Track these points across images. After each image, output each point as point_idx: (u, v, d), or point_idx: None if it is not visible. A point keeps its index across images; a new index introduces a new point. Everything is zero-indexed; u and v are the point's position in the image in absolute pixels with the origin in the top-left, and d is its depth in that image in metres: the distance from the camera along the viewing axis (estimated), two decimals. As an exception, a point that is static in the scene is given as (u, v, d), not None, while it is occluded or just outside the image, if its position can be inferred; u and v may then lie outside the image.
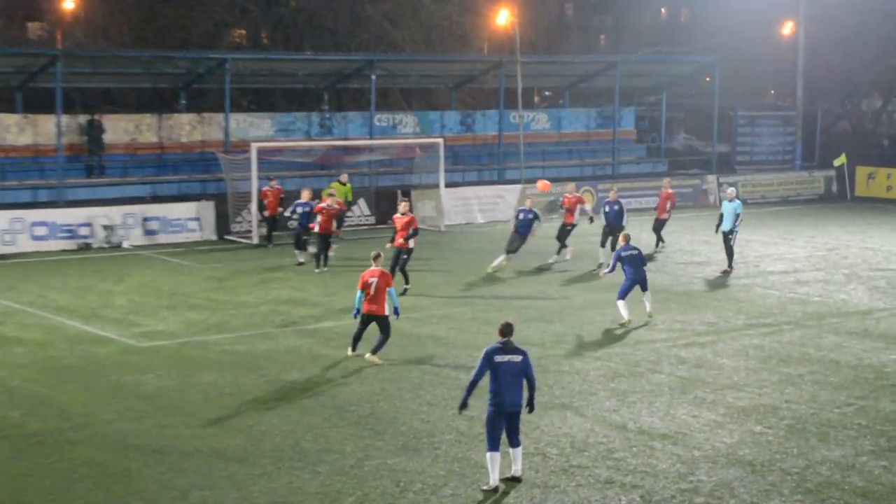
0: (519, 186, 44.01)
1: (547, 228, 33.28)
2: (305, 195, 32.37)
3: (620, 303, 24.08)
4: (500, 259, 30.34)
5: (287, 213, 33.90)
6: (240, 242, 36.48)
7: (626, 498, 14.30)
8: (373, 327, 20.69)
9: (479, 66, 49.60)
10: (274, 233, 35.53)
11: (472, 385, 14.63)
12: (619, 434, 16.75)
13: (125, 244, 35.58)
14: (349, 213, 38.28)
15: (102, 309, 25.84)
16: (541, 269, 31.05)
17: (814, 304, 26.60)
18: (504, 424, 14.51)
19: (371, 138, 44.27)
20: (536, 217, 30.46)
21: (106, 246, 35.27)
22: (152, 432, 16.76)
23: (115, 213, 36.04)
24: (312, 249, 31.38)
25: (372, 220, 40.43)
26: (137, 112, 43.82)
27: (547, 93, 78.03)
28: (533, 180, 45.70)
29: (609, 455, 15.82)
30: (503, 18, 55.29)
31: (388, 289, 20.38)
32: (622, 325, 23.95)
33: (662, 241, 34.76)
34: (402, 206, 27.92)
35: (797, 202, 49.68)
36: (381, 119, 46.61)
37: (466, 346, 22.02)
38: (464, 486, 14.64)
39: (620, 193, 43.44)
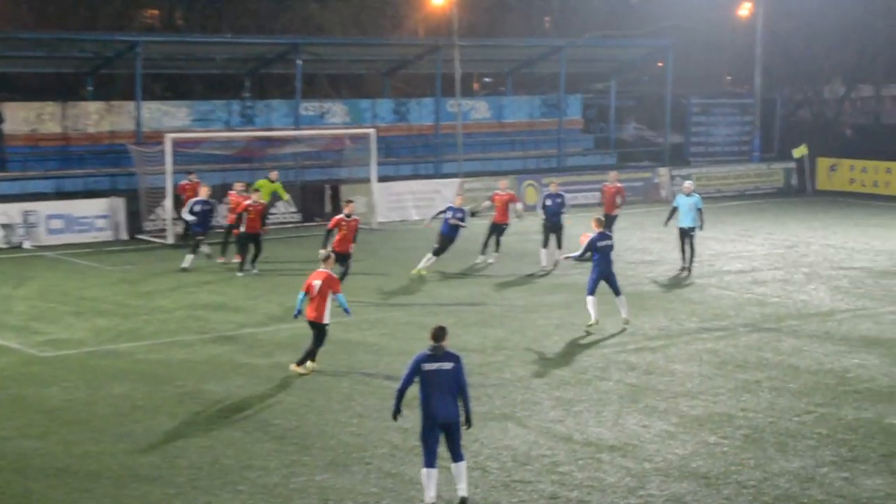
0: (457, 181, 44.14)
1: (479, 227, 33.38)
2: (204, 192, 31.97)
3: (590, 299, 24.14)
4: (426, 261, 30.22)
5: (185, 213, 32.42)
6: (153, 242, 36.27)
7: (571, 514, 14.46)
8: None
9: (413, 51, 49.66)
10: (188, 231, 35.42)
11: (400, 394, 14.62)
12: (565, 446, 16.89)
13: (26, 244, 35.24)
14: (273, 211, 38.16)
15: (1, 315, 25.58)
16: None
17: (772, 305, 26.96)
18: (439, 437, 14.44)
19: (297, 129, 44.18)
20: (464, 217, 30.42)
21: (4, 246, 34.94)
22: (56, 450, 16.63)
23: (14, 211, 35.71)
24: (206, 250, 31.41)
25: (298, 216, 40.34)
26: (39, 99, 43.31)
27: (487, 79, 78.22)
28: (472, 174, 45.98)
29: (554, 469, 15.95)
30: (440, -2, 55.42)
31: (336, 295, 20.23)
32: (589, 326, 24.08)
33: None
34: (349, 207, 27.72)
35: (755, 196, 50.30)
36: (308, 108, 46.50)
37: (400, 353, 22.04)
38: (397, 504, 14.73)
39: (567, 187, 43.75)
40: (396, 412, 14.78)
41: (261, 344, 22.96)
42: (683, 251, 31.53)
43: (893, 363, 21.63)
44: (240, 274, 30.18)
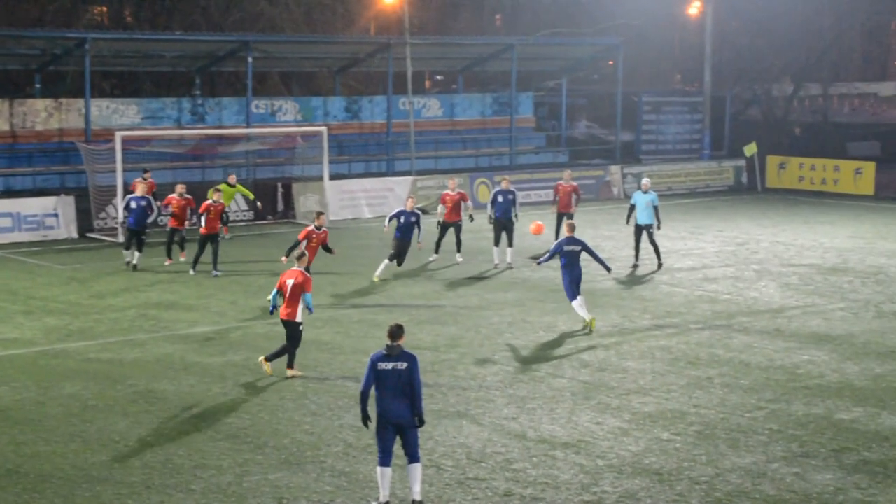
0: (409, 178, 44.17)
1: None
2: (140, 188, 31.44)
3: (575, 303, 24.11)
4: (384, 267, 29.63)
5: (119, 210, 31.98)
6: (104, 241, 36.03)
7: (526, 511, 14.51)
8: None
9: (365, 48, 49.60)
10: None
11: (363, 396, 14.48)
12: (519, 443, 16.94)
13: (-26, 243, 34.93)
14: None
15: (-51, 315, 25.38)
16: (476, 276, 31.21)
17: (723, 302, 27.16)
18: (393, 437, 14.38)
19: (248, 126, 44.03)
20: (418, 221, 29.76)
21: (-48, 245, 34.59)
22: (6, 450, 16.49)
23: (-38, 210, 35.38)
24: (128, 257, 30.68)
25: (249, 215, 40.21)
26: (-15, 97, 43.01)
27: (439, 77, 78.36)
28: (425, 172, 46.03)
29: (508, 466, 15.99)
30: (391, -4, 55.39)
31: (303, 294, 19.95)
32: (585, 325, 24.11)
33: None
34: (320, 219, 27.42)
35: (705, 194, 50.63)
36: (259, 105, 46.37)
37: (354, 351, 22.06)
38: (352, 502, 14.69)
39: (518, 185, 43.89)
40: (365, 418, 14.56)
41: (213, 343, 22.87)
42: (637, 248, 31.69)
43: (842, 359, 21.85)
44: (192, 273, 30.05)
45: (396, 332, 14.47)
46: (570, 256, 24.10)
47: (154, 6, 55.08)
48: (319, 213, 27.67)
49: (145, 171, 35.54)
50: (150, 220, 31.38)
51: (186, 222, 31.34)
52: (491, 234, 32.15)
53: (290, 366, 20.38)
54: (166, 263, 31.27)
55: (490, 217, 31.76)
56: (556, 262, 24.77)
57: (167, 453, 16.38)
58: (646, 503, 14.74)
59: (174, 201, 31.25)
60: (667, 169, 51.02)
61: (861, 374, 20.78)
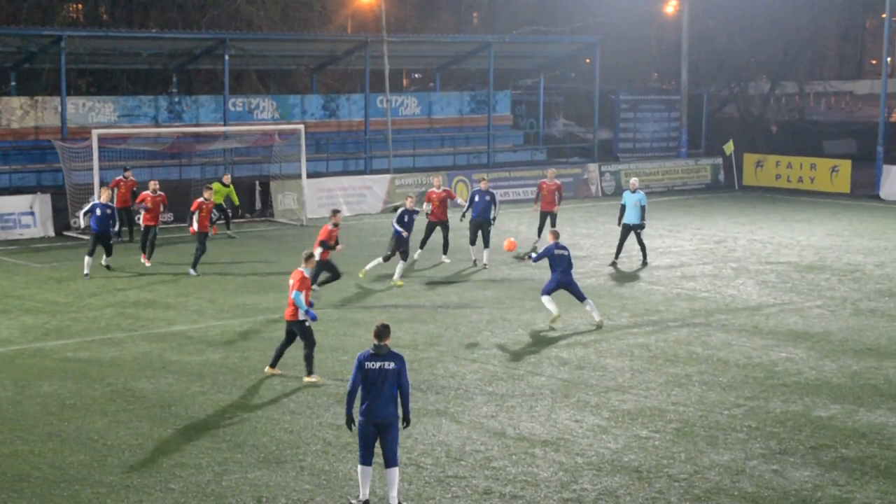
0: (387, 177, 44.15)
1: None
2: (105, 195, 30.57)
3: (546, 298, 24.29)
4: (374, 264, 29.32)
5: (79, 215, 31.11)
6: (80, 239, 35.85)
7: (505, 509, 14.53)
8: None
9: (342, 46, 49.55)
10: (123, 228, 35.10)
11: (350, 396, 14.39)
12: (498, 441, 16.97)
13: (-50, 242, 34.75)
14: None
15: (-75, 314, 25.25)
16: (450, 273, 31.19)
17: (701, 300, 27.25)
18: (375, 436, 14.33)
19: (225, 125, 43.92)
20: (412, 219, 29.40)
21: (-72, 244, 34.42)
22: (-15, 450, 16.46)
23: (-63, 208, 35.20)
24: (87, 266, 29.75)
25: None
26: (-39, 95, 42.81)
27: (416, 75, 78.34)
28: (402, 170, 46.03)
29: (487, 464, 16.02)
30: (368, -6, 55.41)
31: (296, 293, 19.61)
32: (552, 321, 24.27)
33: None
34: (336, 217, 27.10)
35: (683, 192, 50.76)
36: (236, 104, 46.27)
37: (332, 349, 22.05)
38: (331, 501, 14.69)
39: (497, 184, 43.96)
40: (349, 420, 14.48)
41: (191, 341, 22.82)
42: (620, 247, 31.73)
43: (820, 357, 21.95)
44: (193, 273, 29.75)
45: (383, 331, 14.44)
46: (560, 262, 24.18)
47: (130, 4, 54.93)
48: (336, 212, 27.35)
49: (126, 168, 35.42)
50: (114, 229, 30.76)
51: (159, 216, 31.18)
52: (466, 234, 32.13)
53: (309, 372, 19.92)
54: (145, 263, 30.89)
55: (462, 216, 31.82)
56: (545, 263, 24.76)
57: (146, 452, 16.35)
58: (625, 500, 14.78)
59: (148, 198, 31.14)
60: (644, 167, 51.08)
61: (838, 372, 20.89)
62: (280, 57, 50.09)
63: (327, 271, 26.42)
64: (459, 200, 33.79)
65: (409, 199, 29.91)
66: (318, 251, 25.90)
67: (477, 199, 31.41)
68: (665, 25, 71.67)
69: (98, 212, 29.76)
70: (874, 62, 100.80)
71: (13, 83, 44.86)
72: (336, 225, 26.75)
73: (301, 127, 41.34)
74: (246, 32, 49.61)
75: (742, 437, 17.20)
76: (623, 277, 30.14)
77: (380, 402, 14.24)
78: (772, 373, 20.81)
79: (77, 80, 51.88)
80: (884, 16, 55.98)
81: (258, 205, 41.07)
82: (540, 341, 23.10)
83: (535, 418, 18.06)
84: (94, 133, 35.93)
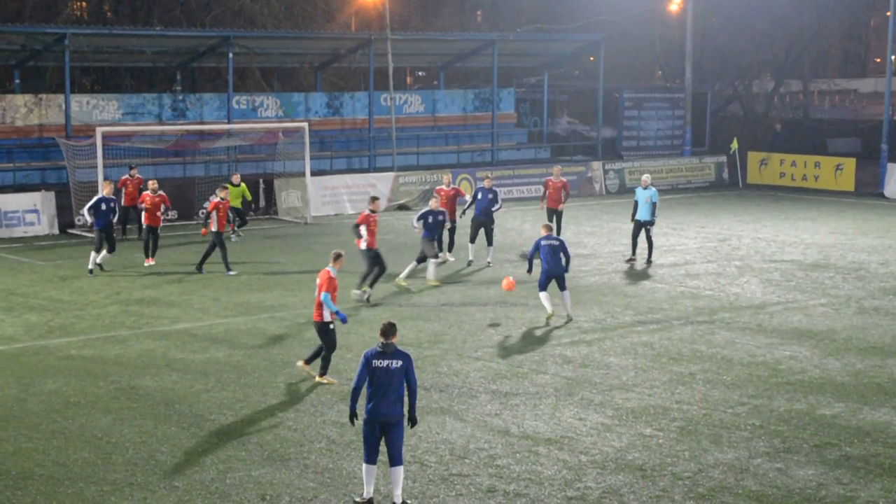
0: (391, 175, 44.15)
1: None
2: (107, 189, 30.60)
3: (542, 294, 24.48)
4: (410, 266, 28.69)
5: (83, 212, 30.76)
6: (85, 237, 35.90)
7: (509, 507, 14.53)
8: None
9: (346, 44, 49.56)
10: (128, 225, 35.12)
11: (354, 393, 14.39)
12: (502, 439, 16.96)
13: (-46, 240, 34.79)
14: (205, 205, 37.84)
15: (-71, 312, 25.28)
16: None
17: (705, 298, 27.23)
18: (380, 434, 14.31)
19: (229, 122, 43.93)
20: (444, 219, 29.31)
21: (-68, 242, 34.45)
22: (-11, 447, 16.47)
23: (-59, 205, 35.24)
24: (97, 260, 29.73)
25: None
26: (-35, 93, 42.86)
27: (420, 73, 78.34)
28: (406, 168, 46.04)
29: (491, 462, 16.01)
30: (372, -8, 55.41)
31: (324, 294, 19.45)
32: (547, 318, 24.45)
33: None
34: (375, 204, 26.87)
35: (687, 190, 50.74)
36: (240, 101, 46.31)
37: (337, 347, 22.00)
38: (335, 499, 14.69)
39: (501, 181, 43.94)
40: (352, 416, 14.49)
41: (195, 339, 22.83)
42: (634, 243, 31.71)
43: (824, 355, 21.94)
44: (232, 273, 29.68)
45: (389, 329, 14.43)
46: (545, 251, 24.38)
47: (134, 1, 54.98)
48: (375, 198, 27.21)
49: (131, 167, 35.41)
50: (115, 218, 30.74)
51: (159, 214, 30.90)
52: (467, 231, 32.00)
53: (321, 373, 19.81)
54: (146, 264, 30.73)
55: (463, 212, 31.82)
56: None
57: (150, 450, 16.35)
58: (629, 499, 14.78)
59: (148, 198, 30.95)
60: (648, 165, 51.07)
61: (842, 370, 20.87)
62: (284, 55, 50.13)
63: (375, 264, 26.25)
64: (468, 198, 33.75)
65: (434, 201, 29.55)
66: (363, 242, 26.07)
67: (480, 196, 31.39)
68: (669, 23, 71.63)
69: (103, 206, 29.73)
70: (878, 60, 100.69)
71: (17, 81, 44.89)
72: (373, 211, 26.54)
73: (305, 125, 41.36)
74: (250, 30, 49.60)
75: (746, 436, 17.19)
76: (627, 275, 30.12)
77: (387, 401, 14.23)
78: (776, 371, 20.79)
79: (81, 77, 51.92)
80: (888, 14, 55.91)
81: (262, 202, 41.08)
82: (544, 339, 23.09)
83: (538, 416, 18.05)
84: (98, 131, 35.95)
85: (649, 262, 31.59)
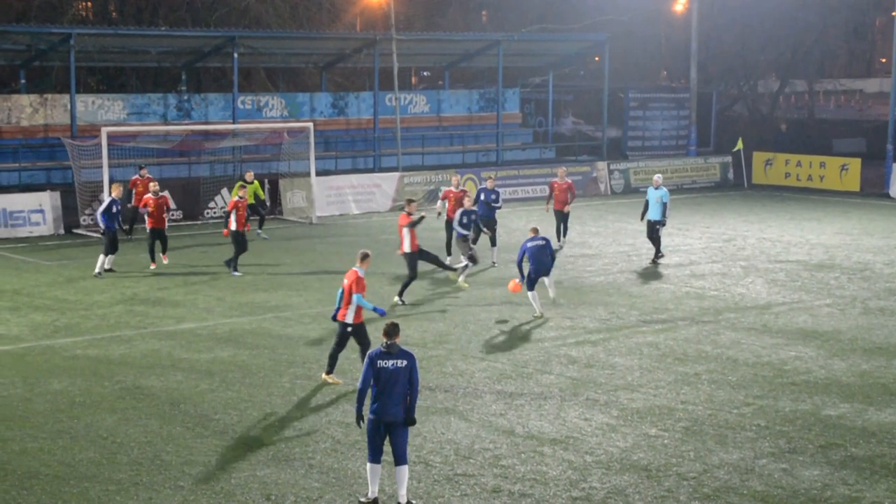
0: (396, 175, 44.15)
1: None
2: (116, 191, 30.34)
3: (531, 294, 24.72)
4: (463, 270, 28.79)
5: (97, 214, 30.54)
6: (90, 237, 35.94)
7: (514, 507, 14.52)
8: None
9: (351, 44, 49.59)
10: (136, 225, 35.12)
11: (361, 394, 14.39)
12: (507, 439, 16.96)
13: (-40, 239, 34.81)
14: (212, 205, 37.95)
15: (-65, 311, 25.30)
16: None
17: (710, 298, 27.22)
18: (385, 434, 14.32)
19: (234, 123, 43.96)
20: (477, 219, 29.30)
21: (-62, 241, 34.48)
22: (-6, 447, 16.50)
23: (-53, 205, 35.27)
24: (106, 265, 29.62)
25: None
26: (-30, 93, 42.89)
27: (425, 73, 78.34)
28: (411, 168, 46.03)
29: (496, 462, 16.01)
30: (377, -8, 55.41)
31: (355, 295, 19.21)
32: (535, 317, 24.64)
33: (564, 237, 34.45)
34: (411, 206, 26.67)
35: (692, 190, 50.71)
36: (245, 101, 46.33)
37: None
38: (340, 499, 14.69)
39: (506, 182, 43.93)
40: (359, 418, 14.47)
41: (200, 339, 22.84)
42: (657, 241, 31.65)
43: (829, 355, 21.92)
44: (237, 273, 29.56)
45: (392, 329, 14.44)
46: (531, 251, 24.70)
47: (139, 1, 55.00)
48: (410, 201, 27.06)
49: (140, 167, 35.38)
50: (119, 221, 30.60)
51: (164, 216, 30.46)
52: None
53: (328, 371, 19.69)
54: (151, 267, 30.38)
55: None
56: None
57: (155, 450, 16.36)
58: (634, 499, 14.77)
59: (151, 201, 30.40)
60: (653, 165, 51.03)
61: (848, 371, 20.85)
62: (289, 55, 50.14)
63: (422, 260, 26.26)
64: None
65: (468, 200, 29.53)
66: (406, 243, 25.95)
67: (483, 197, 31.30)
68: (674, 23, 71.58)
69: (114, 209, 29.58)
70: (884, 60, 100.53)
71: (23, 81, 44.92)
72: (410, 213, 26.41)
73: (310, 125, 41.35)
74: (255, 30, 49.64)
75: (751, 436, 17.18)
76: (632, 276, 30.09)
77: (392, 401, 14.23)
78: (781, 371, 20.78)
79: (86, 77, 51.97)
80: (894, 14, 55.87)
81: (267, 202, 41.09)
82: (549, 340, 23.08)
83: (543, 416, 18.05)
84: (104, 131, 35.96)
85: (654, 262, 31.55)
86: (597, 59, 62.76)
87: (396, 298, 26.06)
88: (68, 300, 26.62)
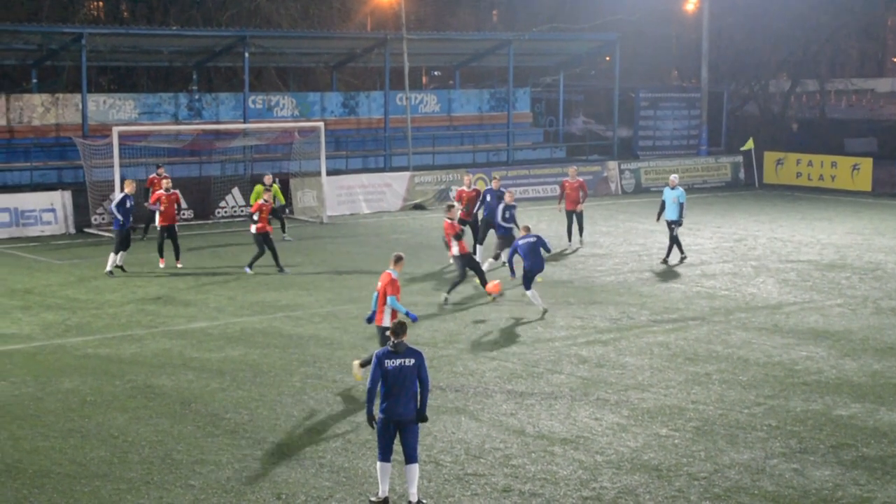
0: (407, 174, 44.15)
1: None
2: (129, 187, 30.17)
3: (530, 293, 24.95)
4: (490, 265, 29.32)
5: (112, 209, 30.21)
6: (101, 236, 36.02)
7: (525, 507, 14.52)
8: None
9: (361, 44, 49.62)
10: (153, 224, 35.11)
11: (370, 394, 14.40)
12: (517, 439, 16.95)
13: (-29, 239, 34.90)
14: (222, 205, 37.95)
15: (-53, 310, 25.37)
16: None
17: (721, 298, 27.18)
18: (395, 433, 14.33)
19: (245, 122, 44.00)
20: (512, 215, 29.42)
21: (-50, 241, 34.56)
22: (5, 446, 16.49)
23: (-41, 205, 35.36)
24: (118, 262, 29.54)
25: (248, 210, 40.09)
26: (-19, 92, 42.99)
27: (436, 73, 78.31)
28: (422, 167, 46.04)
29: (506, 462, 16.01)
30: (388, -9, 55.43)
31: (389, 297, 19.10)
32: (543, 314, 24.83)
33: (577, 237, 34.31)
34: (452, 212, 26.68)
35: (703, 190, 50.65)
36: (256, 101, 46.38)
37: (352, 346, 22.07)
38: (351, 498, 14.70)
39: (516, 181, 43.92)
40: (370, 418, 14.45)
41: (211, 338, 22.87)
42: (678, 244, 31.61)
43: (840, 355, 21.88)
44: (249, 272, 29.66)
45: (399, 328, 14.45)
46: (526, 250, 24.97)
47: (150, 1, 55.09)
48: (451, 206, 26.98)
49: (158, 166, 35.36)
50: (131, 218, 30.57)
51: (177, 217, 30.54)
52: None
53: (362, 363, 19.45)
54: (161, 265, 30.40)
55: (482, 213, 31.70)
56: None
57: (166, 449, 16.39)
58: (644, 499, 14.76)
59: (163, 197, 30.39)
60: (664, 165, 50.99)
61: (859, 371, 20.81)
62: (300, 54, 50.19)
63: (469, 267, 26.28)
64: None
65: (509, 195, 29.67)
66: (455, 247, 26.03)
67: (489, 198, 30.97)
68: (685, 23, 71.50)
69: (127, 204, 29.54)
70: (895, 60, 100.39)
71: (34, 81, 45.01)
72: (451, 219, 26.43)
73: (321, 124, 41.37)
74: (266, 30, 49.69)
75: (762, 436, 17.15)
76: (643, 275, 30.06)
77: (402, 400, 14.24)
78: (792, 371, 20.75)
79: (98, 77, 52.07)
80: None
81: (287, 207, 41.16)
82: (559, 339, 23.07)
83: (554, 416, 18.04)
84: (115, 130, 35.99)
85: (665, 261, 31.52)
86: (607, 58, 62.67)
87: (444, 296, 26.10)
88: (79, 299, 26.67)
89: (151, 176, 34.93)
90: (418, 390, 14.39)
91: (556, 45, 54.80)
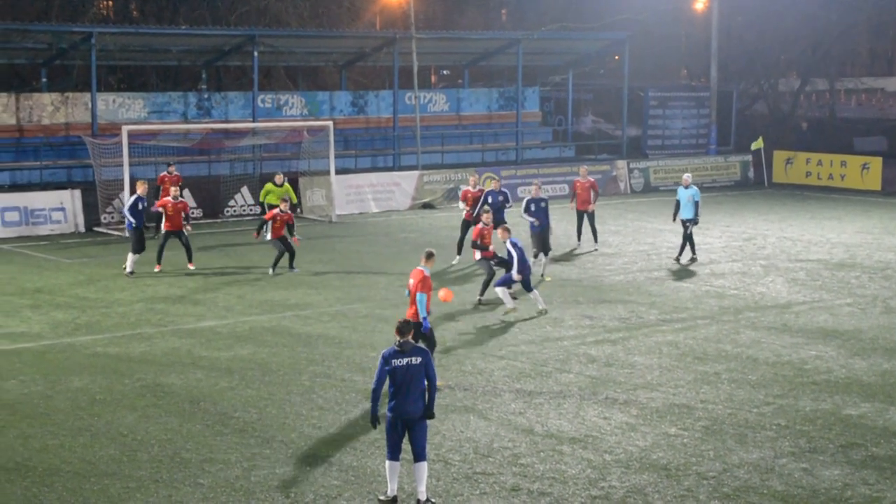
0: (416, 173, 44.16)
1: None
2: (141, 189, 29.97)
3: (499, 290, 24.84)
4: (542, 261, 29.43)
5: (125, 212, 30.05)
6: (111, 235, 36.07)
7: (533, 506, 14.52)
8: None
9: (371, 43, 49.62)
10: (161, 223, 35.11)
11: (375, 394, 14.38)
12: (526, 438, 16.95)
13: (-19, 237, 34.96)
14: (231, 203, 37.98)
15: (-43, 309, 25.41)
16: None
17: (730, 297, 27.15)
18: (403, 431, 14.35)
19: (254, 121, 44.03)
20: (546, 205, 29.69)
21: (-41, 239, 34.63)
22: (15, 444, 16.53)
23: (-32, 204, 35.42)
24: (131, 264, 29.41)
25: (256, 209, 40.16)
26: (-8, 91, 43.06)
27: (445, 72, 78.35)
28: (431, 166, 46.03)
29: (515, 461, 16.01)
30: (397, -9, 55.44)
31: (418, 294, 19.13)
32: (506, 313, 24.70)
33: (590, 240, 34.19)
34: (485, 217, 26.74)
35: (712, 189, 50.57)
36: (265, 100, 46.41)
37: (361, 345, 22.08)
38: (359, 497, 14.71)
39: (525, 180, 43.90)
40: (374, 420, 14.46)
41: (220, 337, 22.89)
42: (691, 243, 31.57)
43: (850, 355, 21.84)
44: (271, 273, 29.64)
45: (405, 327, 14.46)
46: (520, 255, 24.93)
47: (160, 1, 55.14)
48: (486, 212, 27.14)
49: (169, 164, 35.40)
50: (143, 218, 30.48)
51: (185, 226, 30.01)
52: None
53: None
54: (156, 269, 29.86)
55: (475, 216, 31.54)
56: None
57: (175, 447, 16.41)
58: (653, 498, 14.75)
59: (170, 205, 29.92)
60: (673, 164, 50.95)
61: (869, 370, 20.78)
62: (309, 53, 50.22)
63: (490, 271, 26.26)
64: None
65: (535, 188, 30.01)
66: (477, 254, 26.13)
67: (491, 200, 30.66)
68: (694, 22, 71.44)
69: (140, 206, 29.46)
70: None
71: (44, 80, 45.08)
72: (486, 224, 26.40)
73: (330, 123, 41.38)
74: (275, 29, 49.68)
75: (771, 436, 17.13)
76: (652, 274, 30.04)
77: (409, 399, 14.25)
78: (801, 371, 20.72)
79: (107, 76, 52.09)
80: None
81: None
82: (568, 338, 23.06)
83: (563, 415, 18.03)
84: (124, 129, 36.05)
85: (677, 260, 31.48)
86: (616, 57, 62.66)
87: (478, 298, 26.17)
88: (89, 298, 26.71)
89: (162, 174, 34.93)
90: (426, 388, 14.40)
91: (565, 45, 54.75)
